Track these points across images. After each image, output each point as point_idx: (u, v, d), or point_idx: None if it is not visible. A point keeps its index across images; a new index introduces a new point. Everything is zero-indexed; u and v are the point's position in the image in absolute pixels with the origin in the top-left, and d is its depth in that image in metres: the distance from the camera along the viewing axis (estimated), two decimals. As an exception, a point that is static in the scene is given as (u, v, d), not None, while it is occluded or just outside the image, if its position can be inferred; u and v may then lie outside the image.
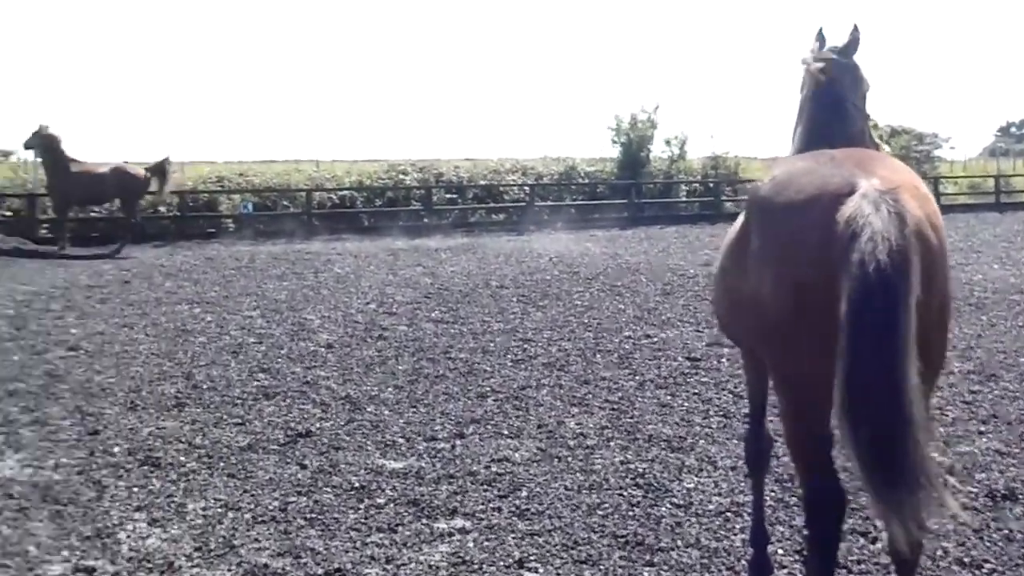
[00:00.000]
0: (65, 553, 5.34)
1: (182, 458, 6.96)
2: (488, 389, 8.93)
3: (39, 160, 22.58)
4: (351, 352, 10.62)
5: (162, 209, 24.72)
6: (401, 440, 7.36)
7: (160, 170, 22.34)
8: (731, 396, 8.59)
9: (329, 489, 6.29)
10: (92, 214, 23.92)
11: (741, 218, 4.22)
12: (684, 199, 33.00)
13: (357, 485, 6.36)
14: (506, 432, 7.56)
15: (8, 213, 23.58)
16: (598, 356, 10.43)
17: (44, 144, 21.64)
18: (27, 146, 22.25)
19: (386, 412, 8.16)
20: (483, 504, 6.03)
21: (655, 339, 11.36)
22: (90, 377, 9.43)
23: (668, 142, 34.17)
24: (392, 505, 6.03)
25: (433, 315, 12.97)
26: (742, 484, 6.18)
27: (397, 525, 5.70)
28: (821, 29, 4.94)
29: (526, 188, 30.13)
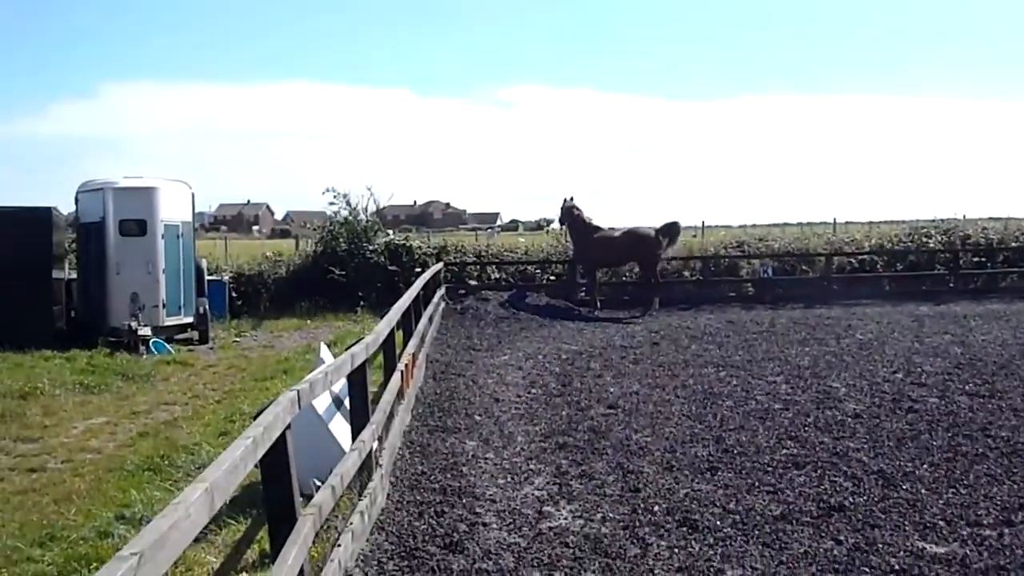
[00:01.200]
0: (617, 605, 5.76)
1: (718, 522, 7.20)
2: (1037, 473, 8.29)
3: (566, 228, 24.62)
4: (880, 424, 10.35)
5: (686, 274, 25.66)
6: (941, 523, 7.06)
7: (669, 231, 23.15)
8: None
9: (867, 569, 6.20)
10: (624, 278, 25.47)
11: None
12: None
13: (897, 568, 6.20)
14: (1061, 524, 6.98)
15: (552, 277, 25.87)
16: None
17: (568, 214, 23.55)
18: (561, 221, 24.40)
19: (923, 491, 7.86)
20: (1042, 602, 5.63)
21: None
22: (628, 435, 10.05)
23: None
24: (936, 593, 5.82)
25: (967, 387, 12.26)
26: None
27: (944, 614, 5.49)
28: None
29: (1066, 250, 27.47)
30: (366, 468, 7.36)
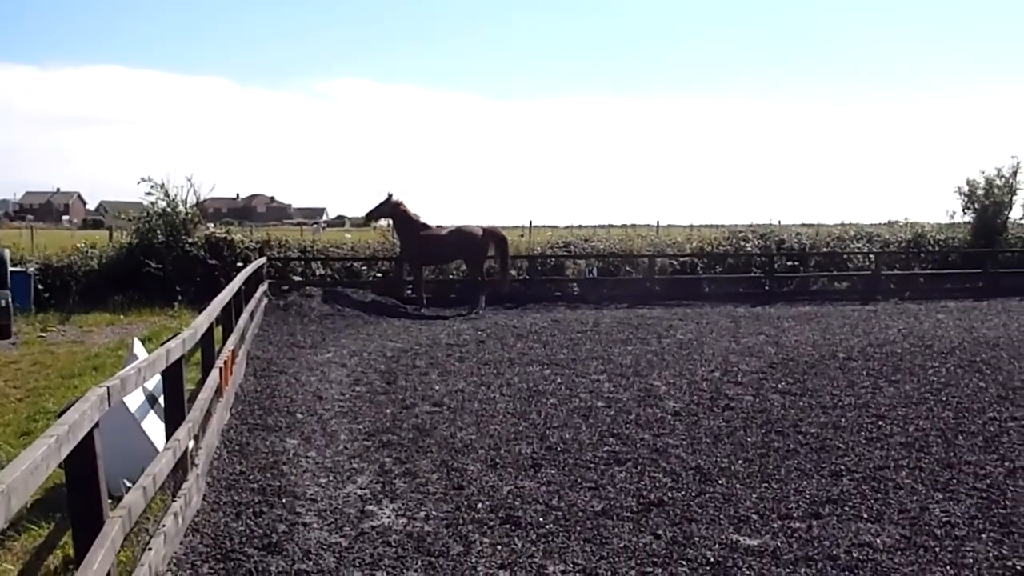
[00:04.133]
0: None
1: (541, 519, 7.22)
2: (843, 467, 8.67)
3: (389, 225, 24.37)
4: (698, 421, 10.64)
5: (512, 272, 25.75)
6: (755, 516, 7.28)
7: (498, 245, 23.38)
8: (1120, 492, 7.85)
9: (684, 562, 6.33)
10: (451, 276, 25.43)
11: None
12: (1046, 269, 30.44)
13: (712, 560, 6.36)
14: (865, 515, 7.30)
15: (379, 274, 25.60)
16: (960, 438, 9.87)
17: (392, 211, 23.40)
18: (376, 215, 24.02)
19: (737, 485, 8.10)
20: (845, 592, 5.84)
21: (1024, 422, 10.61)
22: (453, 433, 10.01)
23: (1028, 207, 31.73)
24: (750, 584, 5.97)
25: (780, 386, 12.74)
26: None
27: (756, 605, 5.63)
28: None
29: (871, 256, 28.98)
30: (181, 468, 7.06)
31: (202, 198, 25.95)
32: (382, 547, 6.61)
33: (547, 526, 7.06)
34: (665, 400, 11.80)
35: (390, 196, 23.37)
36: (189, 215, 25.13)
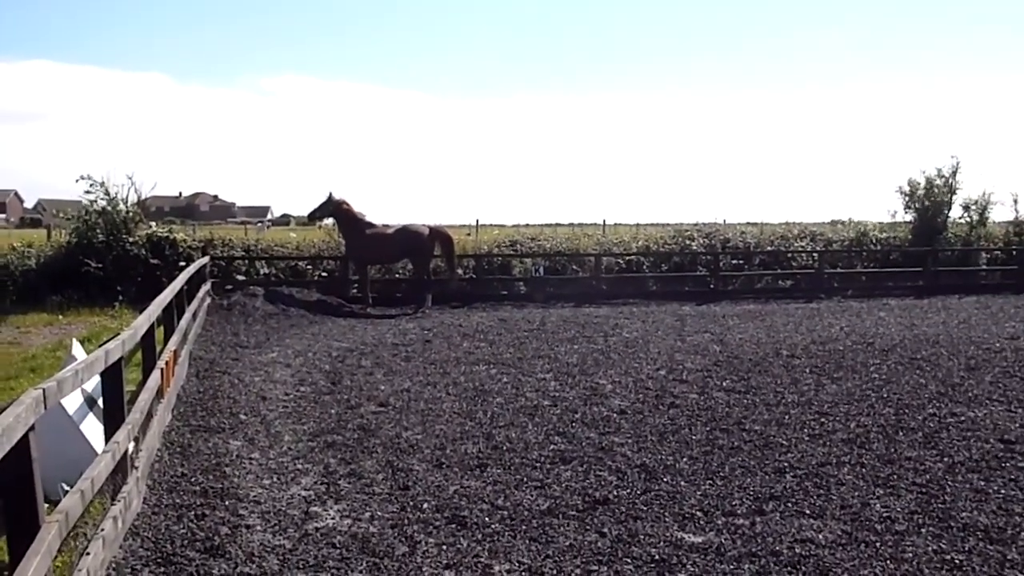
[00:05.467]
0: (384, 605, 5.64)
1: (486, 518, 7.20)
2: (786, 464, 8.74)
3: (334, 224, 24.25)
4: (644, 419, 10.68)
5: (459, 271, 25.67)
6: (699, 513, 7.32)
7: (444, 245, 23.39)
8: (1054, 486, 8.00)
9: (629, 560, 6.34)
10: (397, 275, 25.29)
11: None
12: (985, 267, 31.01)
13: (657, 558, 6.37)
14: (808, 511, 7.37)
15: (324, 273, 25.39)
16: (900, 434, 10.00)
17: (335, 210, 23.30)
18: (319, 214, 23.98)
19: (682, 483, 8.14)
20: (788, 587, 5.89)
21: (963, 418, 10.78)
22: (399, 433, 9.96)
23: (967, 207, 32.23)
24: (694, 581, 6.00)
25: (724, 384, 12.84)
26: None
27: (700, 602, 5.65)
28: None
29: (815, 255, 29.31)
30: (120, 471, 6.95)
31: (143, 196, 25.58)
32: (326, 548, 6.55)
33: (493, 525, 7.04)
34: (611, 398, 11.83)
35: (331, 195, 23.23)
36: (130, 214, 24.74)
